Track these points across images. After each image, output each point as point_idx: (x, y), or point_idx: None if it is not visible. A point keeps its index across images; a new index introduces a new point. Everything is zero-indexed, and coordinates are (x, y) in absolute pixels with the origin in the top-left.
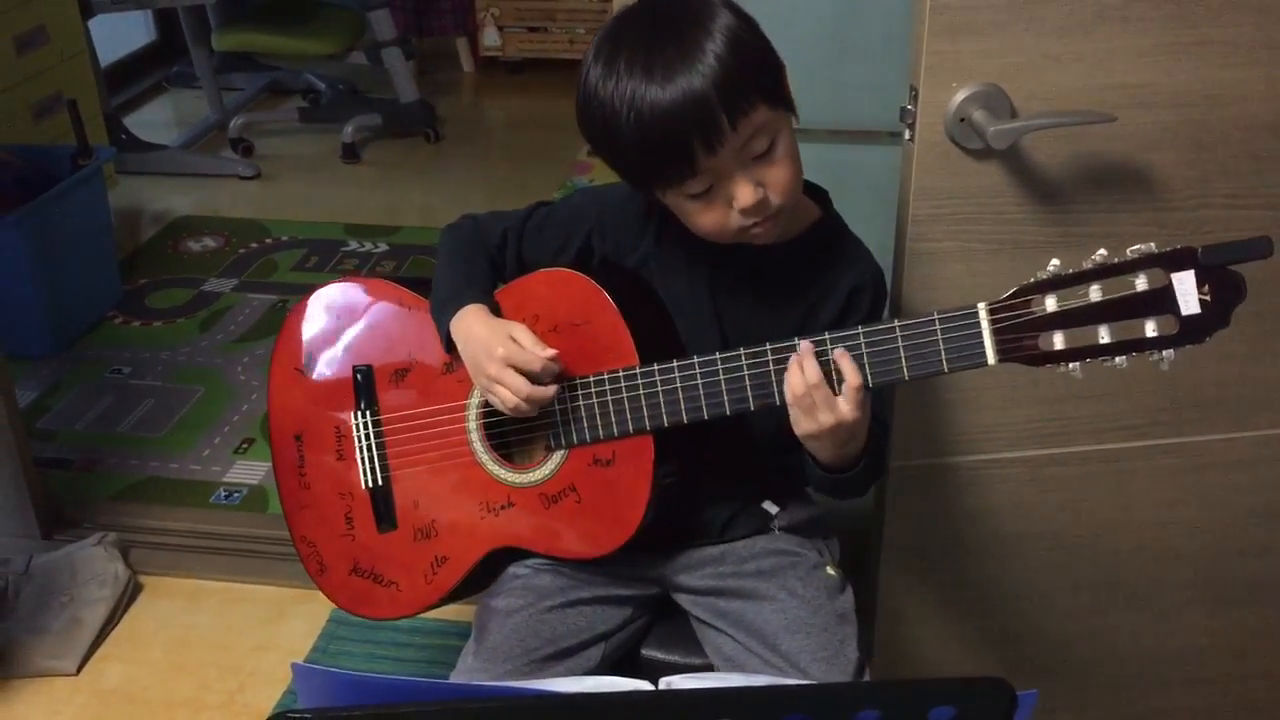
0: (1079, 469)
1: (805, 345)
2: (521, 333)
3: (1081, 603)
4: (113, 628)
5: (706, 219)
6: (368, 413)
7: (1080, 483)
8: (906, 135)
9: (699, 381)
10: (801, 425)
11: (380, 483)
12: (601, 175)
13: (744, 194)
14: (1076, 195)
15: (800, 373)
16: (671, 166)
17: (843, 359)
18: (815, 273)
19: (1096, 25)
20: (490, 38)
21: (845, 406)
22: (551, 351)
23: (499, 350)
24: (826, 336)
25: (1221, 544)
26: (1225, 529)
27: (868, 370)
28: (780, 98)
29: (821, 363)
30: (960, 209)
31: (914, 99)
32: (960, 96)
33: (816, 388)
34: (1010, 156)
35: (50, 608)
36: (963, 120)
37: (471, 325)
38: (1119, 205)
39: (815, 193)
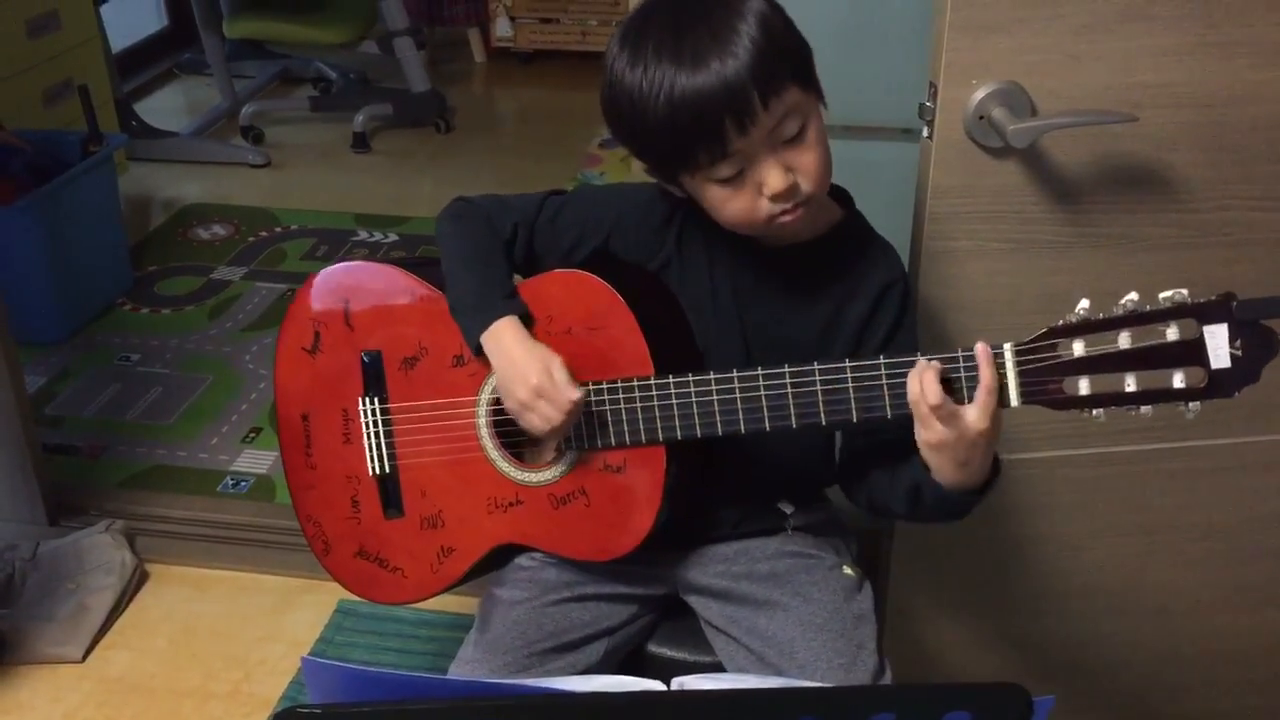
0: (1093, 471)
1: (922, 362)
2: (556, 367)
3: (1095, 605)
4: (119, 615)
5: (734, 206)
6: (376, 400)
7: (1094, 485)
8: (925, 133)
9: (715, 398)
10: (920, 434)
11: (388, 470)
12: (612, 169)
13: (774, 178)
14: (1096, 195)
15: (919, 385)
16: (703, 148)
17: (983, 356)
18: (841, 272)
19: (1119, 23)
20: (502, 28)
21: (973, 414)
22: (579, 395)
23: (533, 380)
24: (847, 364)
25: (1236, 547)
26: (1240, 532)
27: (887, 402)
28: (811, 80)
29: (856, 384)
30: (978, 208)
31: (933, 96)
32: (980, 94)
33: (938, 407)
34: (1030, 155)
35: (56, 595)
36: (982, 118)
37: (509, 344)
38: (1139, 206)
39: (836, 193)
